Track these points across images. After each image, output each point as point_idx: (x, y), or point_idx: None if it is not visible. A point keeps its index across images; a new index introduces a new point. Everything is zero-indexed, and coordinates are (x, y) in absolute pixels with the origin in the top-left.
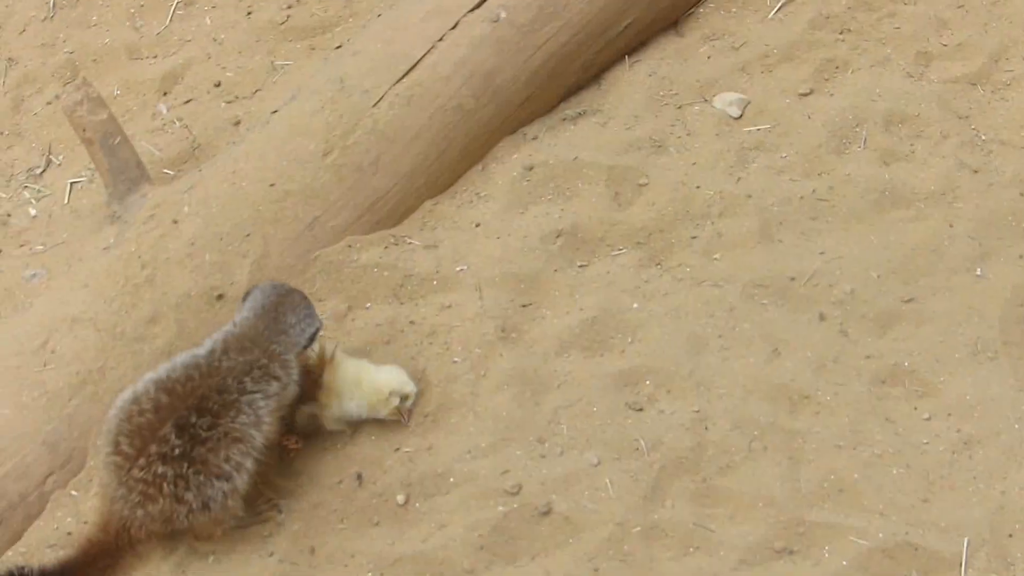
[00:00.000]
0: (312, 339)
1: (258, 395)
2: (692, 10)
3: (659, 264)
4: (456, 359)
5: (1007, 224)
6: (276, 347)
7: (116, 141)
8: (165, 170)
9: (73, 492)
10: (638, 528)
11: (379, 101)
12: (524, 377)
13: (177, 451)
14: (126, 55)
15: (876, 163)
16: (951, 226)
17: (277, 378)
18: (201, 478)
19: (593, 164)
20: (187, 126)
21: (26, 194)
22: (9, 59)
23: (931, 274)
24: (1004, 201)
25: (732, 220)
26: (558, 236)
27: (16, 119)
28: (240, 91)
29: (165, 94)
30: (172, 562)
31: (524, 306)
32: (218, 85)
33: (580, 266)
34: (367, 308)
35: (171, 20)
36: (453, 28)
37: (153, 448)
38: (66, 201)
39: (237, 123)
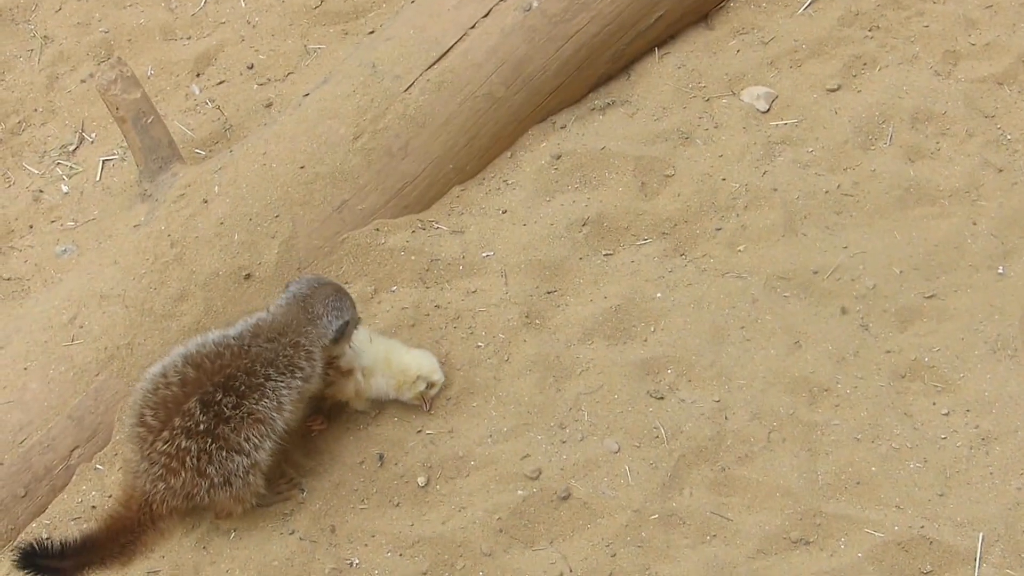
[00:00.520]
0: (341, 332)
1: (282, 383)
2: (722, 4)
3: (683, 255)
4: (480, 344)
5: None
6: (302, 339)
7: (149, 120)
8: (196, 150)
9: (98, 466)
10: (656, 515)
11: (410, 86)
12: (547, 363)
13: (202, 427)
14: (160, 35)
15: (901, 160)
16: (974, 224)
17: (301, 369)
18: (224, 454)
19: (620, 154)
20: (219, 107)
21: (59, 171)
22: (45, 37)
23: (953, 271)
24: None
25: (757, 213)
26: (584, 224)
27: (50, 96)
28: (272, 73)
29: (198, 75)
30: (194, 538)
31: (548, 293)
32: (251, 67)
33: (605, 255)
34: (393, 291)
35: (206, 2)
36: (485, 16)
37: (177, 421)
38: (98, 178)
39: (269, 105)
